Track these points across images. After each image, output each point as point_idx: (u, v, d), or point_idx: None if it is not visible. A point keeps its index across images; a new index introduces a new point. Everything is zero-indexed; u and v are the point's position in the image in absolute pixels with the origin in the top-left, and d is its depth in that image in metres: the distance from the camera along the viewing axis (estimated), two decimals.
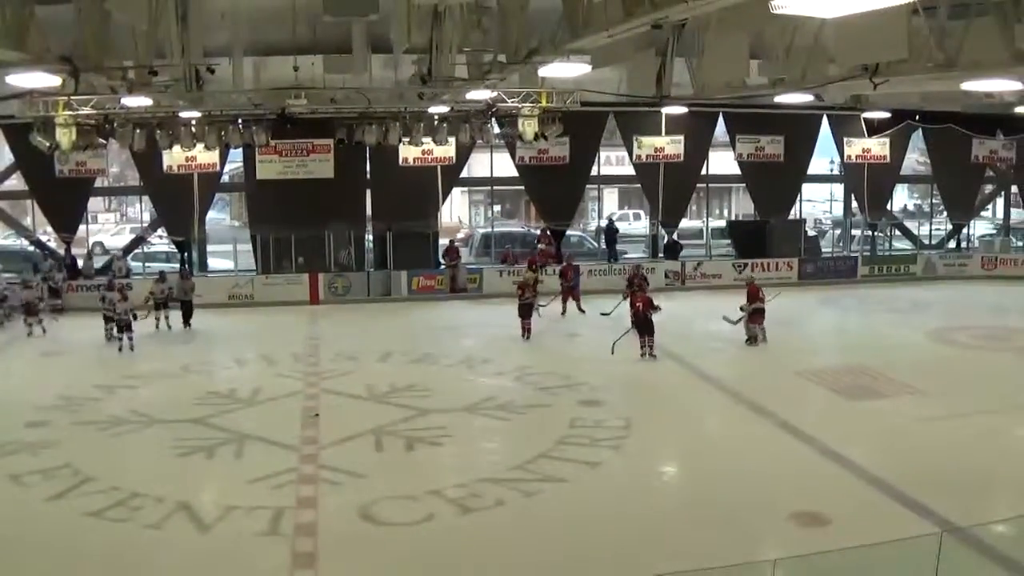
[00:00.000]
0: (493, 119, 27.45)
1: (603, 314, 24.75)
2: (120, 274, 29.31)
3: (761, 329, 22.62)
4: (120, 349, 22.83)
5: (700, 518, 12.80)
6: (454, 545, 12.06)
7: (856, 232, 36.74)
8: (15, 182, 32.53)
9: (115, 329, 23.11)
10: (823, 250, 36.63)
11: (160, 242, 34.17)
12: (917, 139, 36.06)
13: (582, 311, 27.03)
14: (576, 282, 27.90)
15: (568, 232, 34.55)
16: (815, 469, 14.54)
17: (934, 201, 38.92)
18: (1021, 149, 34.68)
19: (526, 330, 24.00)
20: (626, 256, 34.14)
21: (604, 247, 34.05)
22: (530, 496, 13.61)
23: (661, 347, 21.37)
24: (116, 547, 12.03)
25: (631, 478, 14.53)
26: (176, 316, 25.65)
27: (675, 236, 33.76)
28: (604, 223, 35.54)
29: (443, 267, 31.40)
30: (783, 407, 17.51)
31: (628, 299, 23.81)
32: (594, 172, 33.93)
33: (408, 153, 30.62)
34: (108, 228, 45.15)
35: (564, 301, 27.27)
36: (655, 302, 21.71)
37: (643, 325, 21.52)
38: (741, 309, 22.64)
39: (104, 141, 26.88)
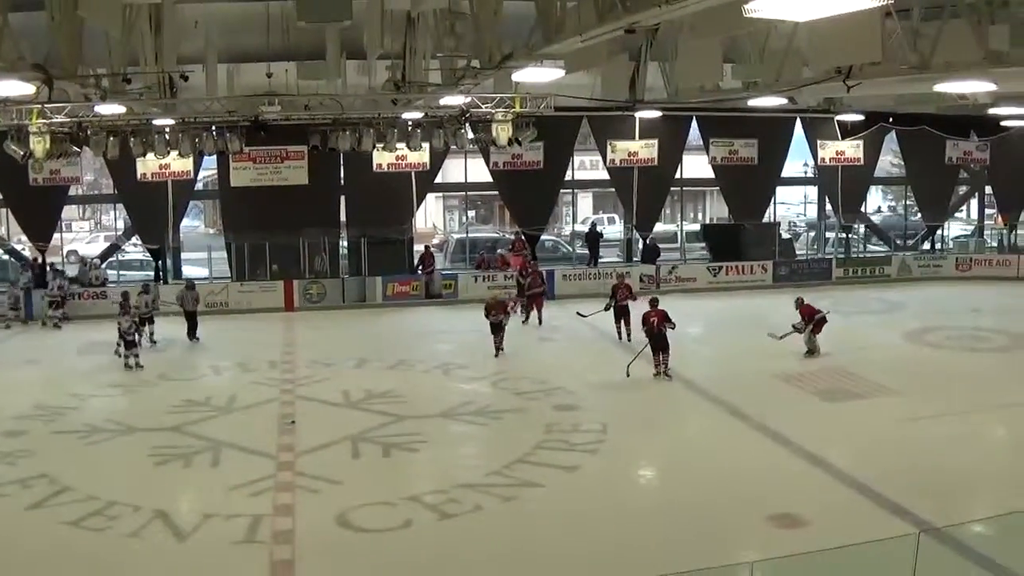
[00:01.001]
0: (467, 124, 27.37)
1: (579, 314, 24.46)
2: (96, 282, 29.27)
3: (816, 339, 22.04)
4: (127, 367, 21.94)
5: (678, 521, 12.83)
6: (433, 551, 12.03)
7: (830, 234, 36.86)
8: None
9: (123, 346, 22.28)
10: (797, 252, 36.73)
11: (135, 250, 33.99)
12: (891, 141, 36.18)
13: (540, 322, 26.64)
14: (542, 289, 27.57)
15: (543, 236, 34.53)
16: (793, 471, 14.57)
17: (908, 203, 39.10)
18: (995, 150, 34.87)
19: (497, 348, 22.92)
20: (602, 261, 34.02)
21: (585, 251, 33.95)
22: (508, 501, 13.61)
23: (636, 351, 20.92)
24: (94, 556, 11.95)
25: (608, 482, 14.53)
26: (157, 329, 24.80)
27: (650, 239, 33.78)
28: (587, 228, 35.44)
29: (420, 273, 31.35)
30: (760, 409, 17.54)
31: (609, 309, 23.53)
32: (568, 176, 33.98)
33: (382, 159, 30.46)
34: (83, 236, 44.93)
35: (528, 309, 26.90)
36: (671, 317, 20.29)
37: (657, 342, 20.22)
38: (794, 327, 21.82)
39: (78, 149, 26.63)
